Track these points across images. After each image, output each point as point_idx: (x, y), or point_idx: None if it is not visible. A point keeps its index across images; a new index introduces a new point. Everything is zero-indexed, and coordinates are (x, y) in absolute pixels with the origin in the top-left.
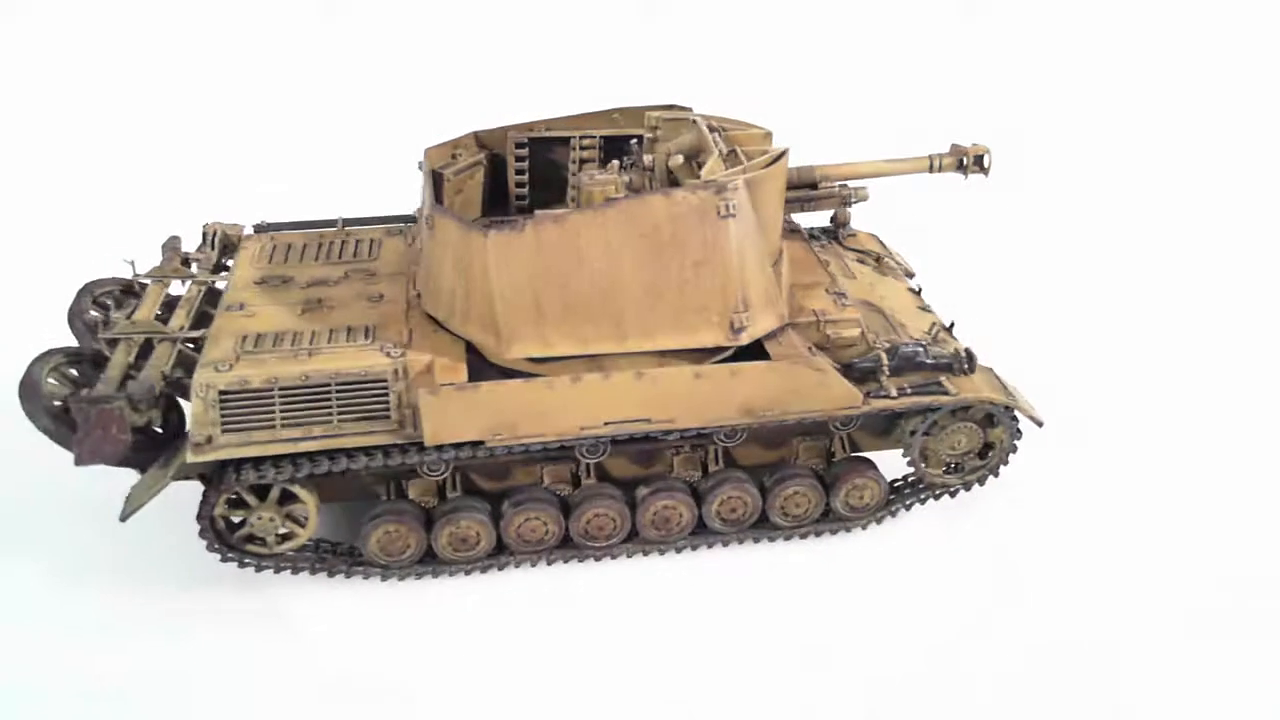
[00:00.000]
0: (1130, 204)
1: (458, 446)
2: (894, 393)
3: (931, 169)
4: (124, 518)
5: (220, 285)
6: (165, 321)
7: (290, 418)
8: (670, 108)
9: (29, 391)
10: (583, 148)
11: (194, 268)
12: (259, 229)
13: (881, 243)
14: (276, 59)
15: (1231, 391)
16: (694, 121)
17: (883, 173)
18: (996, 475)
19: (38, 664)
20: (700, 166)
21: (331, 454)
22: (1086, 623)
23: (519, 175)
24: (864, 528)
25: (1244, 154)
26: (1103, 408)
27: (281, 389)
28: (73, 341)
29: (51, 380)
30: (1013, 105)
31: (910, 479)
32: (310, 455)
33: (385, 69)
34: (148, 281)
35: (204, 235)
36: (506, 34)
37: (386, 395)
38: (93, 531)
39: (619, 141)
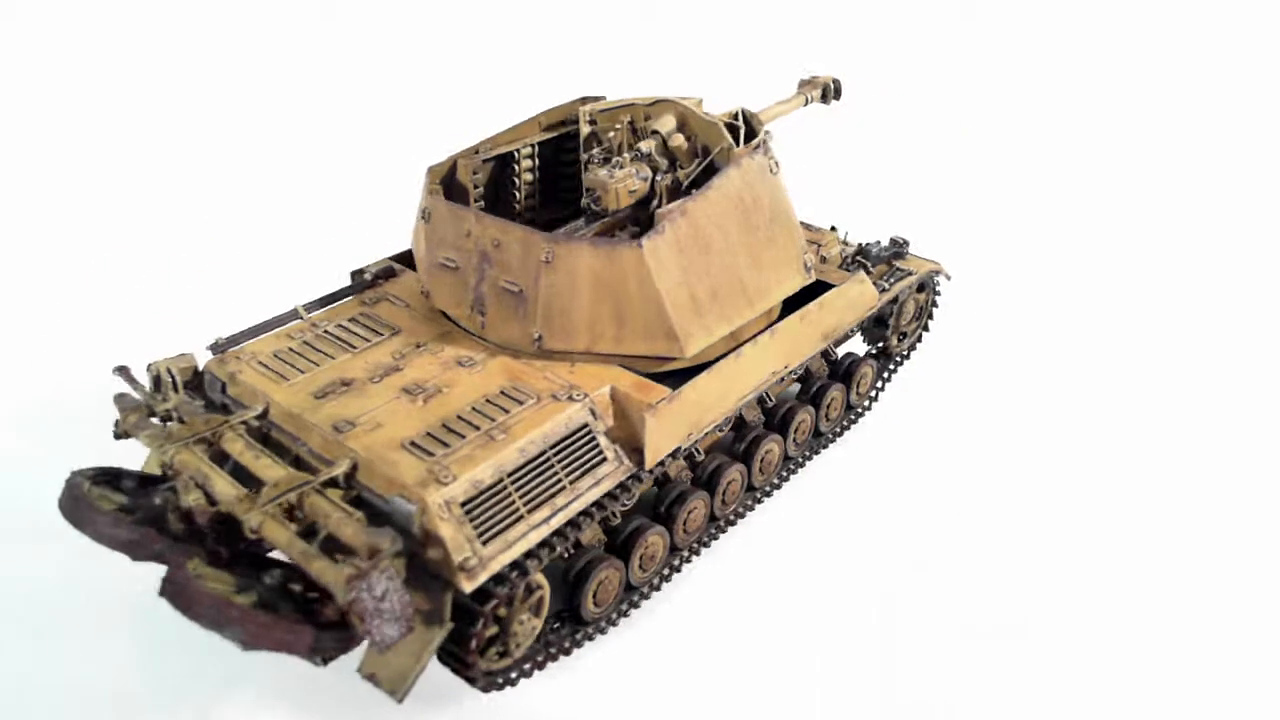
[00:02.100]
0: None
1: (661, 462)
2: (886, 285)
3: (807, 103)
4: (403, 698)
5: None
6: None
7: (530, 500)
8: (586, 100)
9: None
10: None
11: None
12: (217, 348)
13: None
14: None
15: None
16: (671, 101)
17: (780, 114)
18: (928, 330)
19: None
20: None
21: (571, 522)
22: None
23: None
24: (869, 409)
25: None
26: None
27: (510, 475)
28: None
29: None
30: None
31: (872, 354)
32: (558, 530)
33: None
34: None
35: (154, 379)
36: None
37: (594, 438)
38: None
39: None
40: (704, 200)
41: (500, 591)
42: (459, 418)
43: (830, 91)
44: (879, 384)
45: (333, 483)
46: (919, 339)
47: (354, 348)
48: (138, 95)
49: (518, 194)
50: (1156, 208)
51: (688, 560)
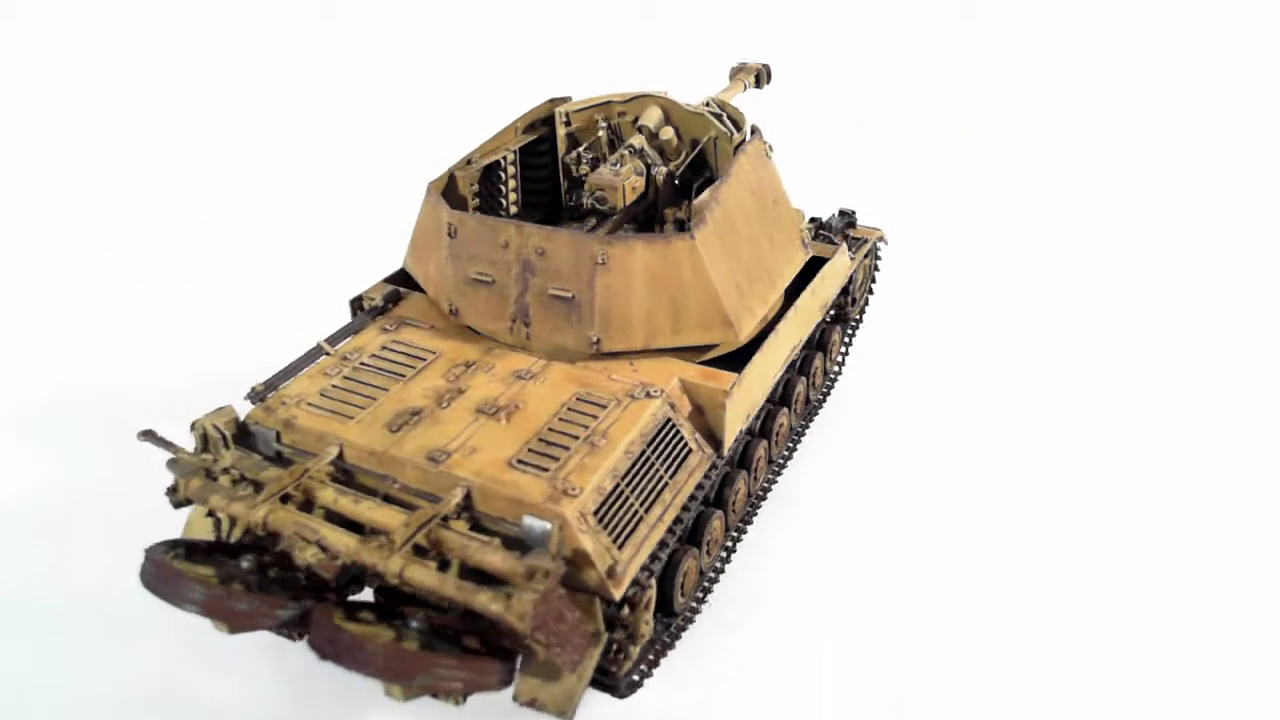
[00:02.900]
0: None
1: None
2: (852, 254)
3: (745, 89)
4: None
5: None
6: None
7: (643, 501)
8: (555, 101)
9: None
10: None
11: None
12: (256, 397)
13: None
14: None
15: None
16: (651, 96)
17: (725, 100)
18: (873, 294)
19: None
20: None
21: (676, 517)
22: None
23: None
24: (839, 374)
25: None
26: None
27: (624, 479)
28: None
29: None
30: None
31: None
32: (670, 528)
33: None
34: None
35: (202, 438)
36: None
37: (679, 431)
38: None
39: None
40: (729, 188)
41: (634, 595)
42: (551, 430)
43: (764, 77)
44: (845, 348)
45: (448, 515)
46: (867, 302)
47: (402, 376)
48: (136, 98)
49: (504, 200)
50: (1132, 200)
51: (738, 539)
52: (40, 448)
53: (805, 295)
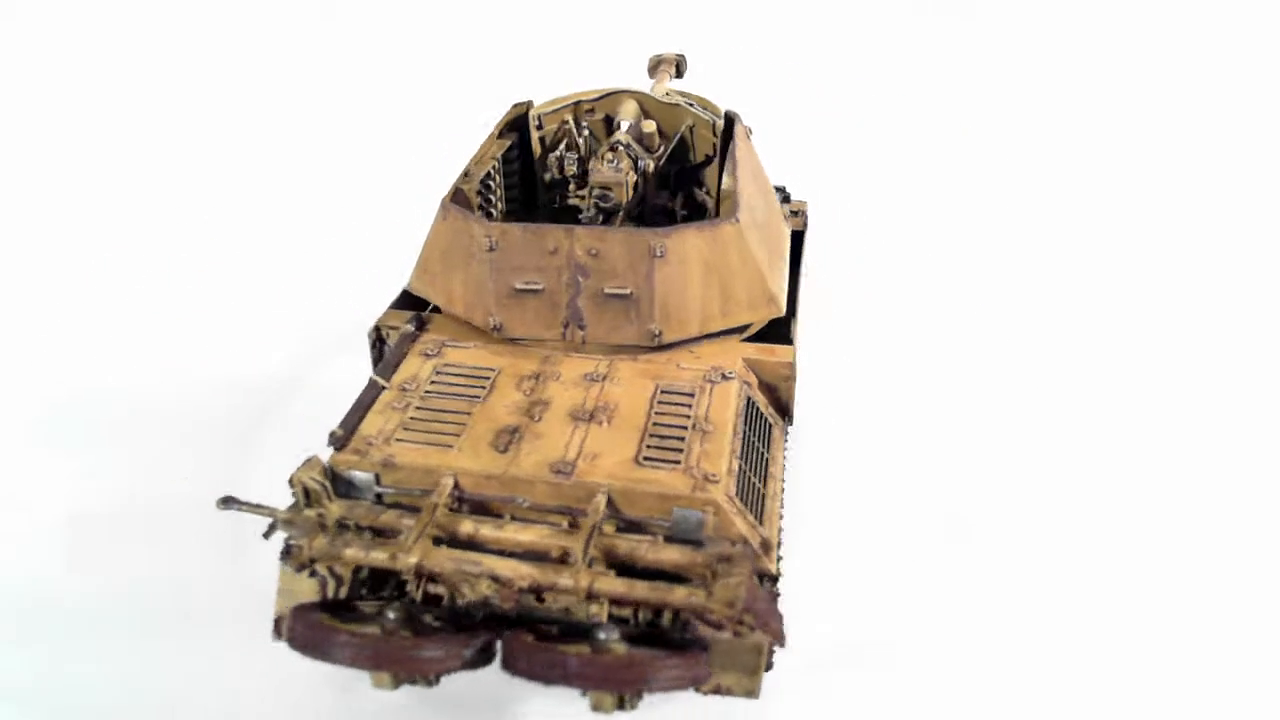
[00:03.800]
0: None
1: None
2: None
3: (671, 78)
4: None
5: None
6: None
7: (759, 476)
8: (518, 105)
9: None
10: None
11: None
12: (337, 441)
13: None
14: None
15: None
16: (625, 91)
17: (657, 94)
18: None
19: None
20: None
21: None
22: None
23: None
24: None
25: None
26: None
27: (740, 459)
28: None
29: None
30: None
31: None
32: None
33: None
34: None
35: (304, 494)
36: None
37: (759, 408)
38: None
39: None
40: (742, 171)
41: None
42: (656, 425)
43: (682, 65)
44: None
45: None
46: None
47: (475, 397)
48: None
49: (494, 210)
50: (1123, 198)
51: None
52: (44, 449)
53: (804, 265)
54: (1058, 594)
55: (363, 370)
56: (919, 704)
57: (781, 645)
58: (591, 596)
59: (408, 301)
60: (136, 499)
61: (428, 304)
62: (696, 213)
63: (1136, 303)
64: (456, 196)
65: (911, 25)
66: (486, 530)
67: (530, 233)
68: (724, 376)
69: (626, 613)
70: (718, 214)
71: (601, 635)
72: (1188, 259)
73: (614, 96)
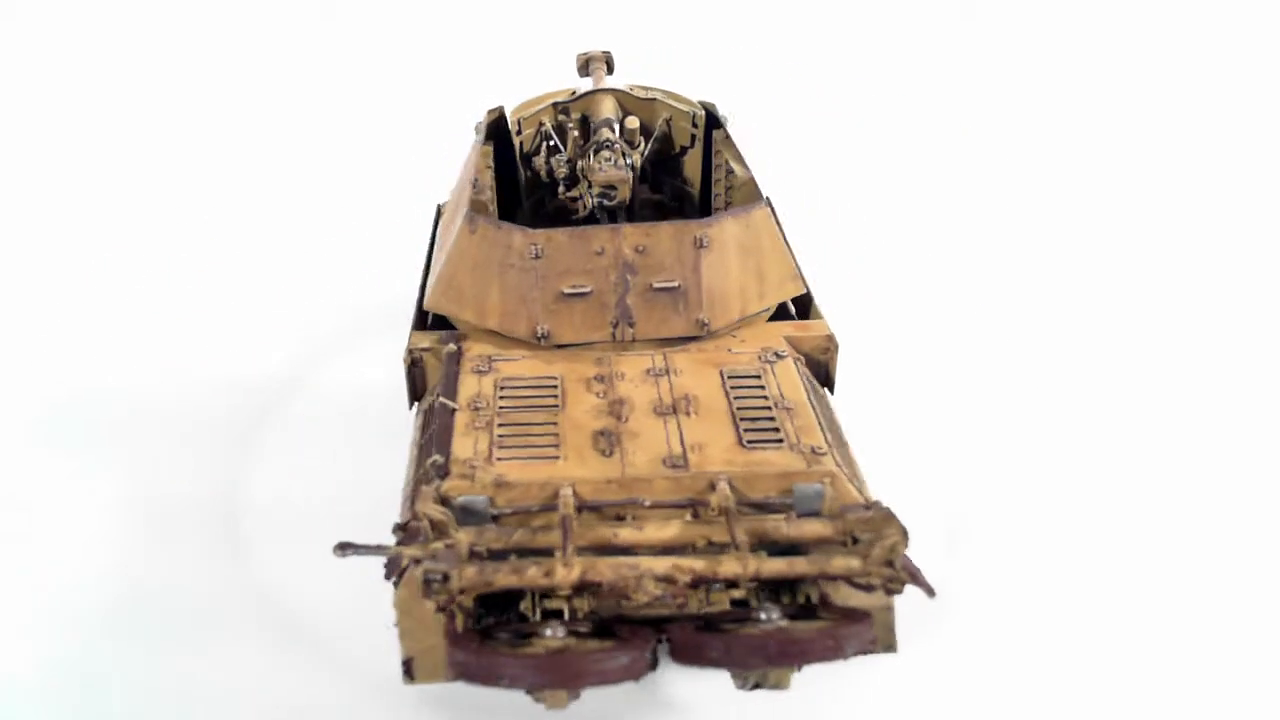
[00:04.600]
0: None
1: None
2: None
3: (602, 74)
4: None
5: None
6: None
7: (839, 444)
8: (492, 111)
9: None
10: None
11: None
12: (440, 471)
13: None
14: None
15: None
16: (601, 91)
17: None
18: None
19: None
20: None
21: None
22: None
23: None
24: None
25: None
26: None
27: (824, 432)
28: None
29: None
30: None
31: None
32: None
33: None
34: None
35: (432, 527)
36: None
37: (809, 379)
38: None
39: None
40: (731, 153)
41: None
42: (741, 409)
43: (611, 62)
44: None
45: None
46: None
47: (553, 406)
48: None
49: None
50: (1122, 201)
51: None
52: (44, 449)
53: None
54: (1057, 594)
55: (363, 371)
56: (918, 703)
57: (932, 596)
58: (756, 579)
59: (425, 321)
60: (136, 499)
61: (440, 320)
62: (683, 204)
63: (1136, 303)
64: (477, 209)
65: (910, 25)
66: (626, 533)
67: (576, 236)
68: (777, 356)
69: (741, 594)
70: (701, 204)
71: (763, 616)
72: (1186, 259)
73: (591, 96)
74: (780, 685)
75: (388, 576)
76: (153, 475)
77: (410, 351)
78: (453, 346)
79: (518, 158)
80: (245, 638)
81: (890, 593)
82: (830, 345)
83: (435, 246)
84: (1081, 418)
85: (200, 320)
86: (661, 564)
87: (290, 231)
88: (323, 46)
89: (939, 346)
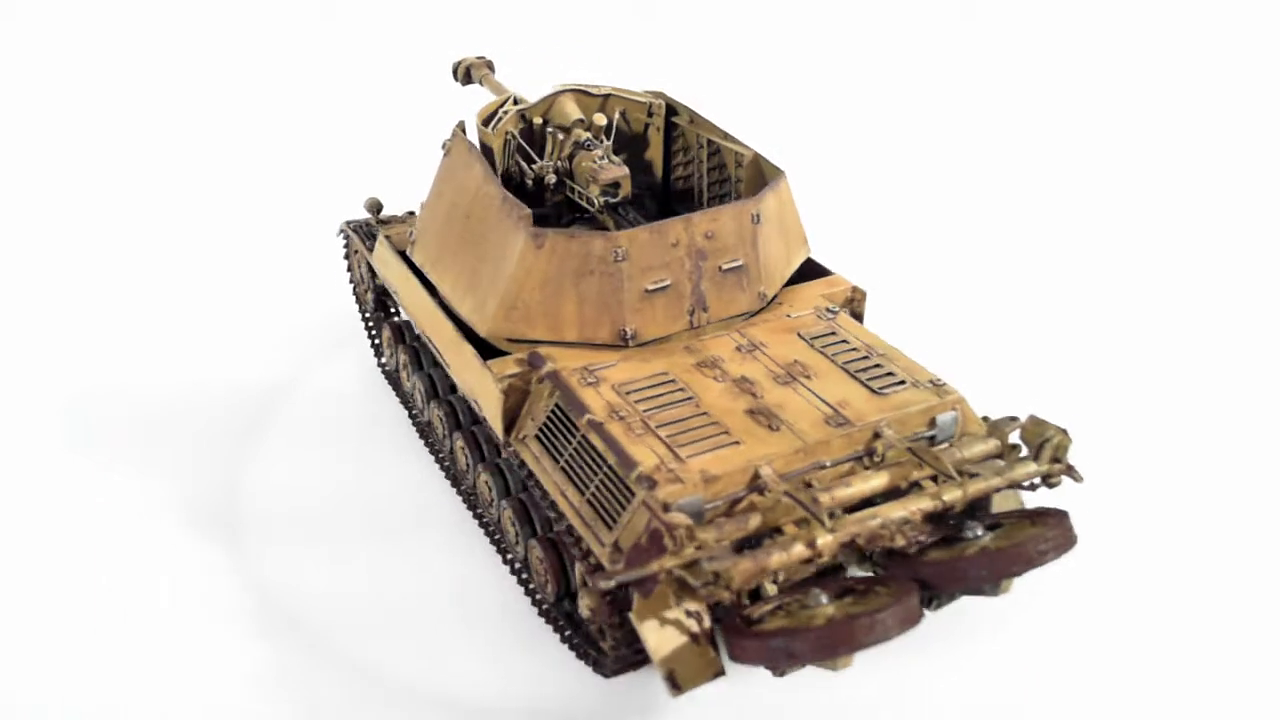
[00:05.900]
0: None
1: None
2: None
3: (491, 76)
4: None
5: None
6: None
7: None
8: (460, 123)
9: None
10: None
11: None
12: (647, 482)
13: None
14: None
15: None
16: (564, 92)
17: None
18: None
19: None
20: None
21: None
22: None
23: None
24: None
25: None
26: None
27: None
28: None
29: None
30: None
31: None
32: None
33: None
34: None
35: (686, 534)
36: None
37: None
38: None
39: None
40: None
41: None
42: (846, 364)
43: (492, 65)
44: None
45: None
46: None
47: (688, 398)
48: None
49: None
50: (1121, 202)
51: None
52: (44, 449)
53: None
54: (1057, 594)
55: (361, 371)
56: (922, 701)
57: (1079, 481)
58: (970, 501)
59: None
60: (137, 499)
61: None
62: (648, 192)
63: (1135, 303)
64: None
65: (910, 25)
66: (842, 492)
67: (654, 232)
68: (830, 310)
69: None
70: (666, 190)
71: (969, 534)
72: (1186, 258)
73: (554, 97)
74: (1005, 591)
75: (645, 595)
76: (153, 475)
77: (502, 379)
78: (550, 365)
79: (496, 169)
80: (244, 637)
81: (1049, 486)
82: (856, 295)
83: (426, 271)
84: (1082, 416)
85: (200, 322)
86: (896, 509)
87: (290, 234)
88: (321, 54)
89: (935, 336)
